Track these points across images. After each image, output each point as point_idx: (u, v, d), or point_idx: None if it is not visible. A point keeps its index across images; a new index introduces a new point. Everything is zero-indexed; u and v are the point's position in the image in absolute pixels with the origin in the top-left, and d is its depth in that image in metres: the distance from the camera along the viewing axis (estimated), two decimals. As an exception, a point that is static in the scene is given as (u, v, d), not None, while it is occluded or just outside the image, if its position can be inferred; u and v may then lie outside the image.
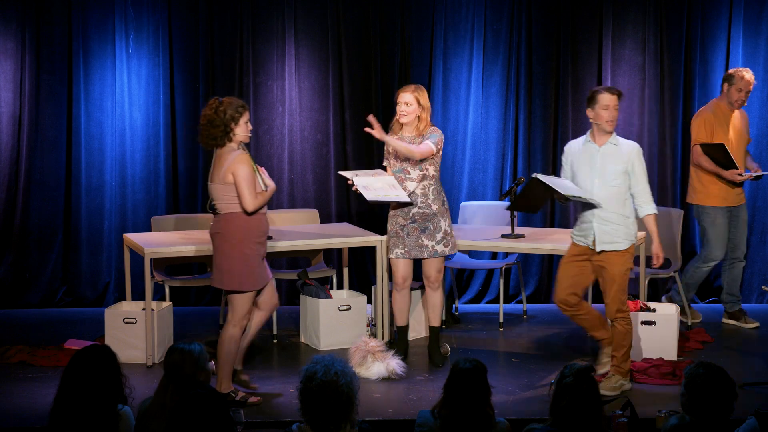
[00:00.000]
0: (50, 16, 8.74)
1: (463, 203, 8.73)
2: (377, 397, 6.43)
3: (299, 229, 7.94)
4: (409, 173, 7.00)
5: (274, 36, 8.87)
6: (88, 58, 8.79)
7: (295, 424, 4.10)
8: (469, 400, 4.42)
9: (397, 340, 7.22)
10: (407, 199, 6.95)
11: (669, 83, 8.89)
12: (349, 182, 7.02)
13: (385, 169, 7.14)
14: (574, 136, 8.94)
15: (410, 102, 6.95)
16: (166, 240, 7.44)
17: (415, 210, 6.99)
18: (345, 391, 4.02)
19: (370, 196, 6.90)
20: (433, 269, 7.09)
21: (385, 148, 7.11)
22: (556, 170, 9.03)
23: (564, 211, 8.98)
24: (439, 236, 7.01)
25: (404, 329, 7.23)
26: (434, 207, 7.00)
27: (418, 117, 6.96)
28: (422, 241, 7.01)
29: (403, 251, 7.05)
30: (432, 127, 7.01)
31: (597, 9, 8.88)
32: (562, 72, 8.92)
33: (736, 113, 7.92)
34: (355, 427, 4.08)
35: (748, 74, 7.82)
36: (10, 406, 6.24)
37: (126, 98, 8.82)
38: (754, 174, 7.82)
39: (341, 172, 7.25)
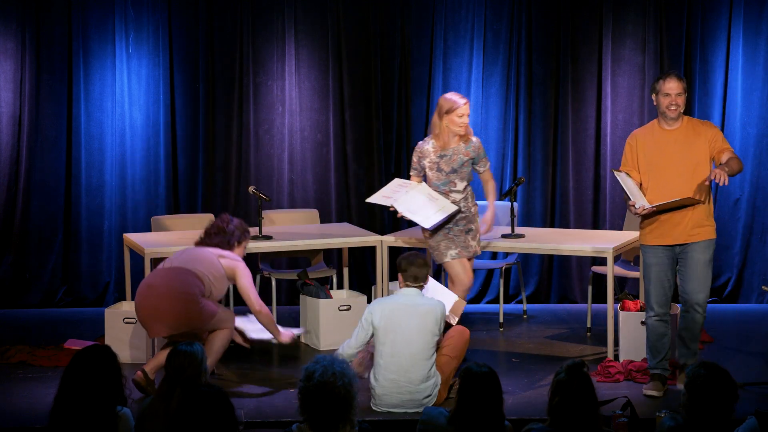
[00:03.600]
0: (50, 16, 8.74)
1: (463, 203, 8.71)
2: (377, 397, 6.42)
3: (299, 229, 7.94)
4: (455, 185, 6.96)
5: (274, 36, 8.87)
6: (88, 58, 8.78)
7: (295, 424, 4.10)
8: (485, 404, 4.38)
9: None
10: (455, 208, 6.89)
11: (669, 83, 8.87)
12: (391, 209, 6.97)
13: (409, 177, 7.11)
14: (574, 137, 8.97)
15: (469, 113, 6.94)
16: (166, 240, 7.43)
17: (460, 215, 6.96)
18: (342, 392, 4.01)
19: (428, 224, 6.82)
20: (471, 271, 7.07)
21: (414, 159, 7.02)
22: (555, 169, 9.02)
23: (564, 211, 8.97)
24: (478, 236, 7.05)
25: None
26: (473, 209, 7.02)
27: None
28: (468, 242, 6.99)
29: (456, 252, 6.96)
30: (472, 139, 6.99)
31: (597, 9, 8.88)
32: (562, 72, 8.92)
33: (687, 128, 6.25)
34: (355, 428, 4.08)
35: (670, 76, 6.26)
36: (10, 406, 6.23)
37: (126, 98, 8.81)
38: (658, 204, 6.15)
39: (369, 200, 7.16)
